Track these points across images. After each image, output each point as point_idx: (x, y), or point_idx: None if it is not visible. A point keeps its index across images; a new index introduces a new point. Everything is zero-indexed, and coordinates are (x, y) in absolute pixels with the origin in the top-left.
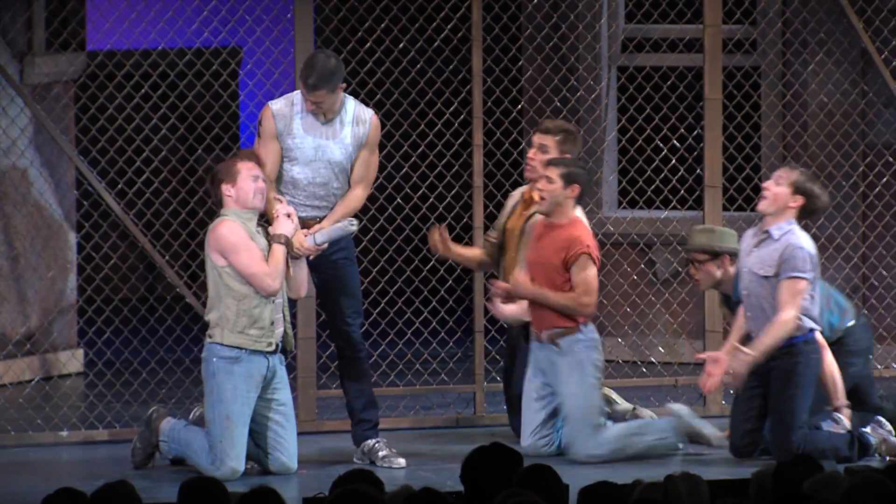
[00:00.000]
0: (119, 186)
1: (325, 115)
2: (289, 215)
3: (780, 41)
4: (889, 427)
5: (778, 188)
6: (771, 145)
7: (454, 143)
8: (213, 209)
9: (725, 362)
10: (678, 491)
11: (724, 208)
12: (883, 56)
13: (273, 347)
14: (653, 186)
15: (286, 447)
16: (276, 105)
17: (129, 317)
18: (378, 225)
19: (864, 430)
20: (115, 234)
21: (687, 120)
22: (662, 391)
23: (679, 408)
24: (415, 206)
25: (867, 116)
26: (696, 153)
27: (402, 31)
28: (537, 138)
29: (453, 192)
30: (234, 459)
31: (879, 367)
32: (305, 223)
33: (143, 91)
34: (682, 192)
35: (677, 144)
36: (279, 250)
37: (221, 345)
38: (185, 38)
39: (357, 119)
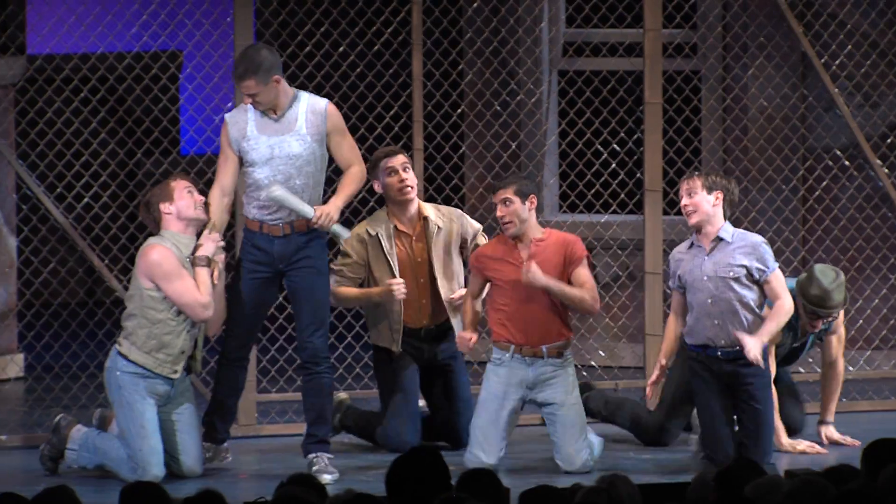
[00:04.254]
0: (58, 190)
1: (275, 111)
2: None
3: (721, 45)
4: None
5: (695, 198)
6: (711, 149)
7: None
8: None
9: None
10: (619, 494)
11: (665, 212)
12: (823, 60)
13: (177, 375)
14: (593, 190)
15: (190, 451)
16: (230, 114)
17: (69, 321)
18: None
19: None
20: (55, 238)
21: (627, 124)
22: None
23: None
24: (355, 210)
25: (807, 120)
26: (636, 157)
27: (342, 35)
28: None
29: None
30: (156, 466)
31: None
32: (272, 229)
33: (82, 95)
34: (623, 196)
35: (617, 148)
36: (202, 273)
37: (126, 359)
38: (125, 42)
39: (311, 109)
